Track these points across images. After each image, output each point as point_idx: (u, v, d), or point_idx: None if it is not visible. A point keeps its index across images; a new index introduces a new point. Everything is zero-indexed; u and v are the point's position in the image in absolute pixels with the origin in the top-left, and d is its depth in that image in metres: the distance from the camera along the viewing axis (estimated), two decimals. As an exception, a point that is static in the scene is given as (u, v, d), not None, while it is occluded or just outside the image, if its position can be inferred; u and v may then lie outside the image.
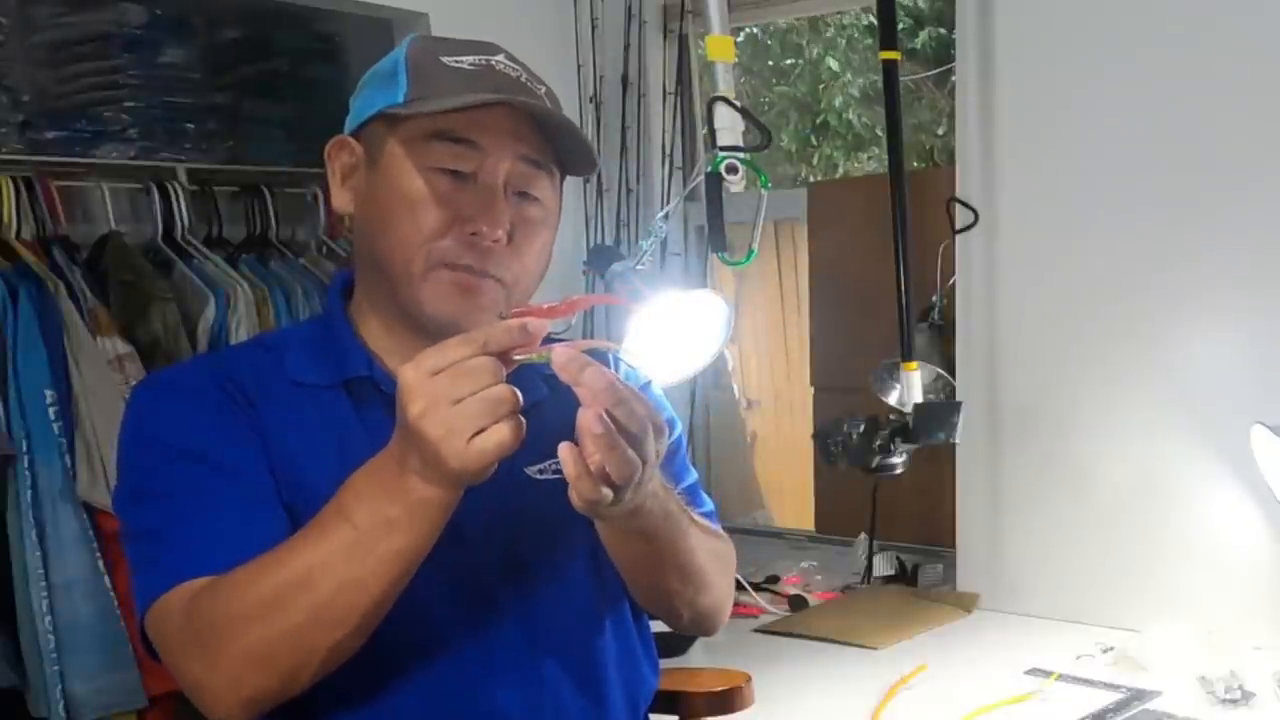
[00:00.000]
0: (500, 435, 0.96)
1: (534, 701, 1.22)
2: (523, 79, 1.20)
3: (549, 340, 1.15)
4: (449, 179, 1.16)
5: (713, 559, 1.33)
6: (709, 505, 1.45)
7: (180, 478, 1.14)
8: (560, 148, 1.22)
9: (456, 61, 1.18)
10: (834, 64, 6.89)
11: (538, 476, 1.24)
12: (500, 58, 1.20)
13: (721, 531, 1.43)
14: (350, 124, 1.23)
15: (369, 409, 1.21)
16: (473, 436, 0.95)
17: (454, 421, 0.95)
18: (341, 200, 1.23)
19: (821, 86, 6.91)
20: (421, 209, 1.16)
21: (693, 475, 1.46)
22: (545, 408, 1.25)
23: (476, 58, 1.19)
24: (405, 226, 1.16)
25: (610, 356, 1.39)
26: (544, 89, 1.22)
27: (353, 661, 1.08)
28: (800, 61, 7.16)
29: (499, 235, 1.16)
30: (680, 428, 1.47)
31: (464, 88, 1.15)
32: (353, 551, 1.01)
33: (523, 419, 0.98)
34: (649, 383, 1.43)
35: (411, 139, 1.17)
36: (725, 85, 2.18)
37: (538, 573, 1.25)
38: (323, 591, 1.01)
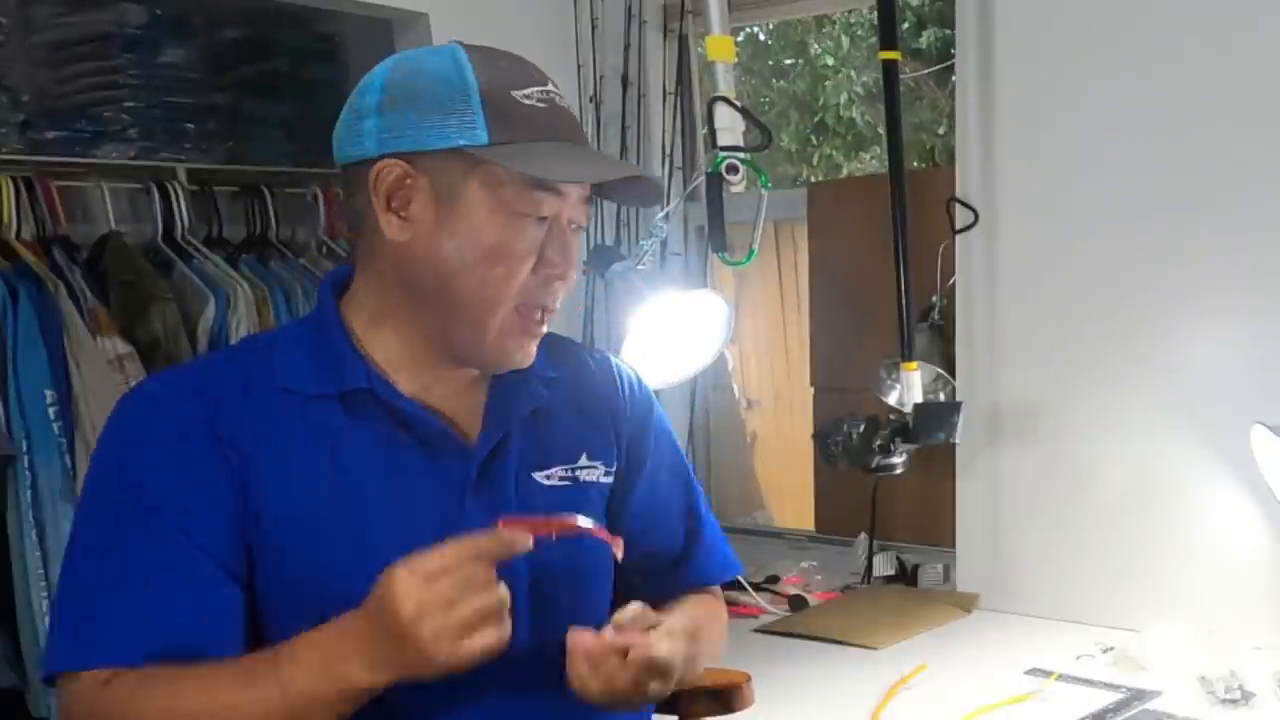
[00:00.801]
0: (489, 639, 1.03)
1: (536, 698, 1.23)
2: (568, 106, 1.22)
3: (545, 360, 1.25)
4: (532, 224, 1.18)
5: (717, 636, 1.40)
6: (721, 546, 1.48)
7: (130, 537, 1.12)
8: (619, 186, 1.25)
9: (525, 97, 1.17)
10: (829, 59, 6.89)
11: (545, 483, 1.26)
12: (551, 87, 1.21)
13: (717, 598, 1.48)
14: (386, 143, 1.17)
15: (367, 423, 1.20)
16: (463, 638, 1.02)
17: (447, 627, 1.01)
18: (395, 229, 1.18)
19: (827, 84, 6.90)
20: (510, 258, 1.17)
21: (698, 491, 1.47)
22: (545, 412, 1.28)
23: (539, 90, 1.19)
24: (496, 273, 1.17)
25: (614, 367, 1.40)
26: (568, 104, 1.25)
27: None
28: (800, 60, 7.16)
29: (571, 277, 1.21)
30: (681, 445, 1.49)
31: (542, 129, 1.17)
32: (272, 712, 1.05)
33: (508, 620, 1.04)
34: (641, 382, 1.43)
35: (500, 184, 1.16)
36: (725, 85, 2.18)
37: (549, 576, 1.24)
38: None
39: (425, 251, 1.18)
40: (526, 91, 1.18)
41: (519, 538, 1.05)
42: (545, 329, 1.24)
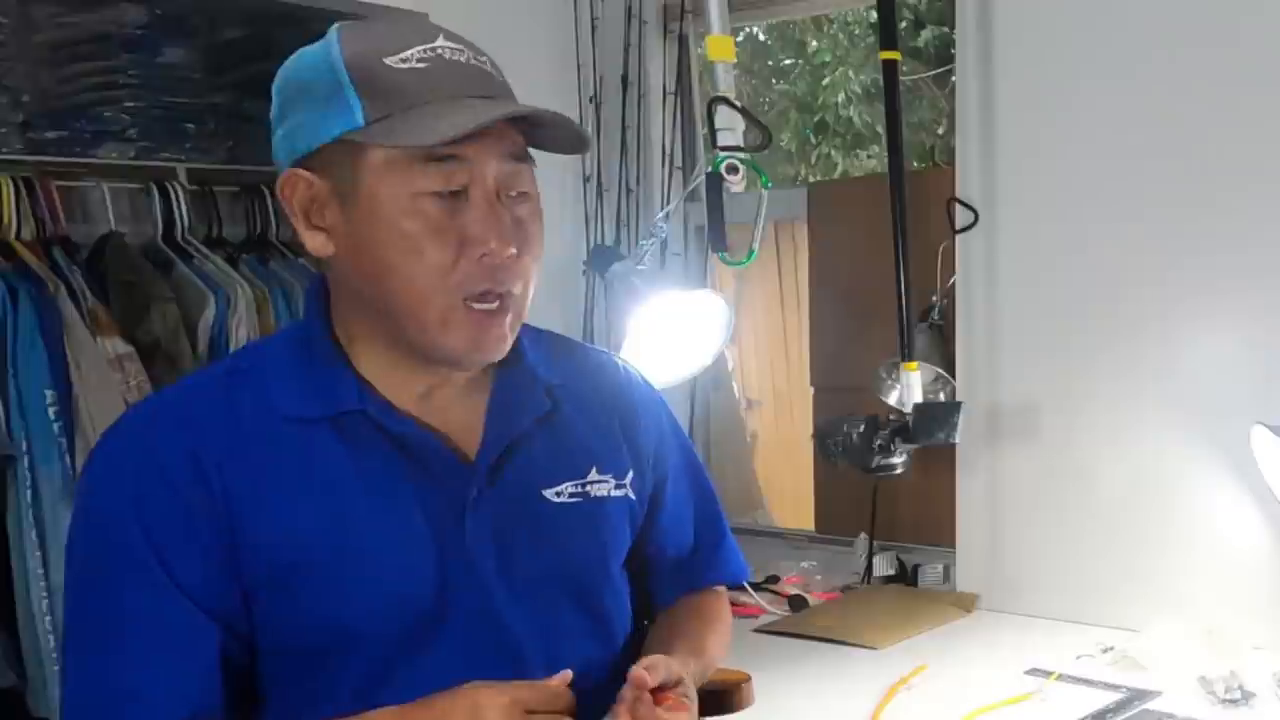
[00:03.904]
0: None
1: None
2: (470, 60, 1.11)
3: (533, 332, 1.21)
4: (442, 202, 1.07)
5: (721, 649, 1.38)
6: (732, 551, 1.46)
7: (120, 587, 1.09)
8: (541, 133, 1.14)
9: (402, 61, 1.07)
10: (827, 57, 6.88)
11: (555, 500, 1.21)
12: (441, 41, 1.09)
13: (722, 599, 1.46)
14: (290, 152, 1.11)
15: (361, 446, 1.13)
16: None
17: None
18: (316, 243, 1.11)
19: (825, 83, 6.90)
20: (426, 246, 1.07)
21: (711, 491, 1.45)
22: (550, 423, 1.23)
23: (421, 50, 1.08)
24: (412, 268, 1.07)
25: (624, 371, 1.38)
26: (486, 60, 1.14)
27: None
28: (800, 61, 7.16)
29: (511, 251, 1.09)
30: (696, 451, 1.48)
31: (424, 92, 1.06)
32: None
33: None
34: (646, 382, 1.41)
35: (390, 165, 1.06)
36: (725, 85, 2.18)
37: (562, 598, 1.22)
38: None
39: (351, 260, 1.10)
40: (403, 55, 1.06)
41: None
42: (512, 316, 1.13)
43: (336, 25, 1.11)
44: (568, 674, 1.06)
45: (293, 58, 1.14)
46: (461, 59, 1.10)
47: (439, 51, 1.09)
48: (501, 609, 1.16)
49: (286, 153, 1.11)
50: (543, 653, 1.17)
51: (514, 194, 1.12)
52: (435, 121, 1.04)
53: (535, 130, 1.13)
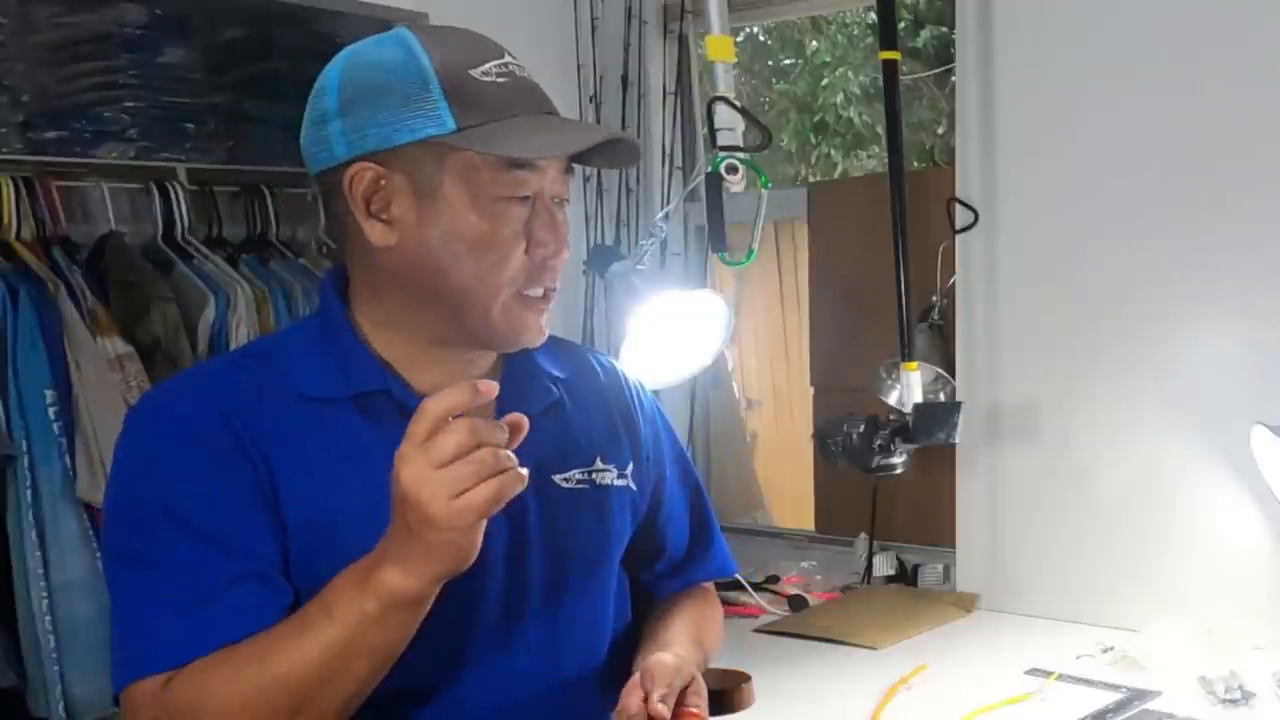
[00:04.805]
0: (484, 492, 0.99)
1: (552, 702, 1.24)
2: (529, 75, 1.19)
3: (552, 361, 1.26)
4: (516, 206, 1.15)
5: (716, 642, 1.42)
6: (721, 546, 1.49)
7: (167, 547, 1.10)
8: (594, 152, 1.20)
9: (484, 74, 1.14)
10: (826, 57, 6.89)
11: (564, 485, 1.25)
12: (507, 57, 1.18)
13: (713, 593, 1.49)
14: (354, 145, 1.14)
15: (382, 425, 1.17)
16: (458, 496, 0.98)
17: (440, 485, 0.98)
18: (376, 233, 1.15)
19: (824, 83, 6.90)
20: (500, 245, 1.14)
21: (703, 492, 1.48)
22: (557, 412, 1.28)
23: (496, 64, 1.16)
24: (483, 263, 1.14)
25: (620, 372, 1.41)
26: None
27: None
28: (800, 61, 7.16)
29: (565, 254, 1.18)
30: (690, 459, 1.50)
31: (508, 106, 1.14)
32: (333, 648, 1.03)
33: (522, 473, 1.01)
34: (643, 386, 1.43)
35: (475, 169, 1.13)
36: (725, 85, 2.18)
37: (568, 579, 1.25)
38: (307, 688, 1.04)
39: (414, 252, 1.15)
40: (484, 68, 1.14)
41: (485, 385, 1.02)
42: (551, 304, 1.22)
43: (405, 28, 1.18)
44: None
45: (359, 53, 1.19)
46: (526, 75, 1.18)
47: (510, 68, 1.17)
48: (509, 588, 1.20)
49: (349, 145, 1.15)
50: (544, 633, 1.22)
51: (557, 200, 1.20)
52: (528, 136, 1.13)
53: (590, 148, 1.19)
